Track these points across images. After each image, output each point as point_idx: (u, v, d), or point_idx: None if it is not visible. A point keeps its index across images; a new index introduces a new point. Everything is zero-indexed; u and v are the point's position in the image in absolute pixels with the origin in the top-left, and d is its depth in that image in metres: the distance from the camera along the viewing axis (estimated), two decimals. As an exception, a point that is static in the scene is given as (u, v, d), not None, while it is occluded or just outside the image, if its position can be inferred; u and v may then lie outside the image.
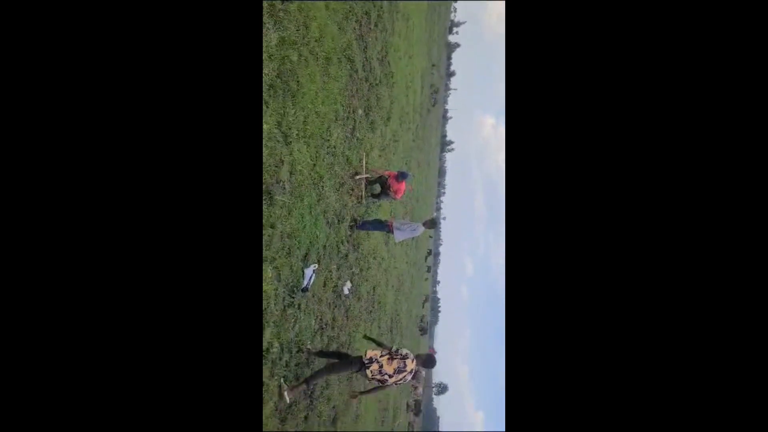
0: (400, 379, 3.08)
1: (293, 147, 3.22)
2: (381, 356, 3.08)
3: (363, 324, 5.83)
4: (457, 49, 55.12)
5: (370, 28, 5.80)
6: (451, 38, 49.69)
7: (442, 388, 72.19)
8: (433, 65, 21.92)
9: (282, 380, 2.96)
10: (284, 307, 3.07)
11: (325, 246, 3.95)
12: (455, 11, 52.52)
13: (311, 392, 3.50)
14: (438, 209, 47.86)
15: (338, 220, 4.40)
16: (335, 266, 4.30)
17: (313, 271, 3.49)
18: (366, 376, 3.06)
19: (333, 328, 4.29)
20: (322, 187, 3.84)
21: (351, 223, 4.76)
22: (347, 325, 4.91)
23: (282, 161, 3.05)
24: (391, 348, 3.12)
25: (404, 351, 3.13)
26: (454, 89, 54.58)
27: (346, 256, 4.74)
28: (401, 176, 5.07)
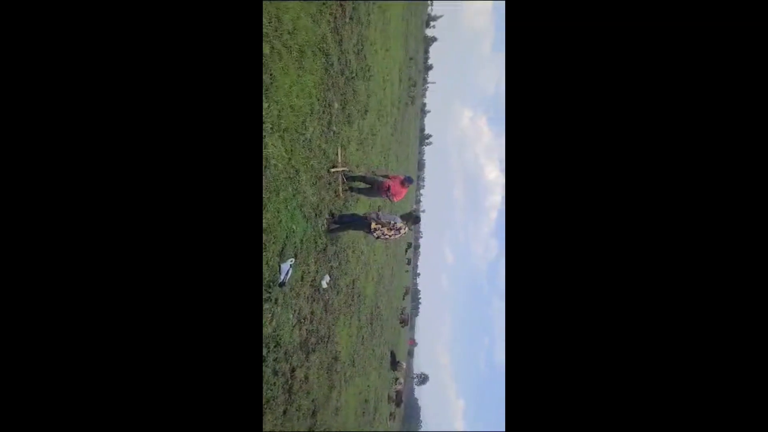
0: (398, 236, 4.57)
1: (267, 141, 3.19)
2: (382, 227, 4.47)
3: (342, 317, 5.87)
4: (435, 43, 55.17)
5: (345, 21, 5.75)
6: (429, 32, 49.68)
7: (423, 379, 73.37)
8: (411, 58, 21.89)
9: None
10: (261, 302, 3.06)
11: (302, 240, 3.95)
12: (432, 5, 52.42)
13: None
14: (418, 202, 48.19)
15: (315, 214, 4.40)
16: (313, 260, 4.30)
17: (290, 265, 3.49)
18: (373, 235, 4.52)
19: (312, 321, 4.31)
20: (299, 181, 3.83)
21: (327, 218, 4.76)
22: (326, 318, 4.94)
23: (256, 155, 3.01)
24: (390, 221, 4.48)
25: (399, 224, 4.51)
26: (432, 82, 54.76)
27: (324, 249, 4.75)
28: (407, 181, 5.02)
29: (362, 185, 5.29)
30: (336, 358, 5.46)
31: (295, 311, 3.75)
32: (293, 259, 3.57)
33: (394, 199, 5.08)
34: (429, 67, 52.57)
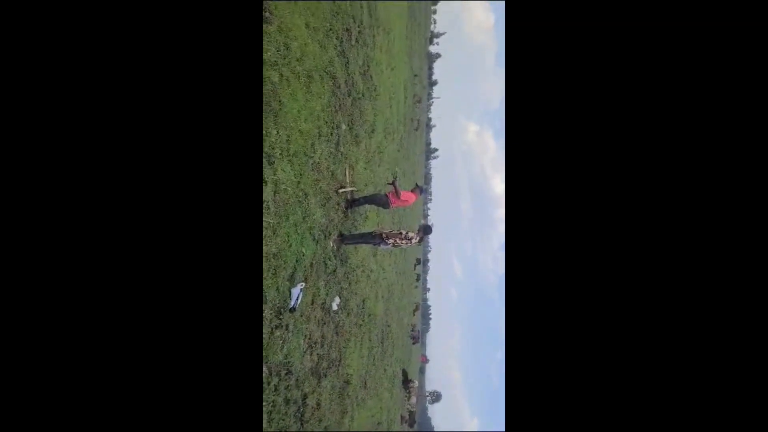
0: (410, 244, 4.66)
1: (277, 167, 3.21)
2: (394, 236, 4.57)
3: (353, 338, 5.77)
4: (438, 59, 56.15)
5: (351, 44, 5.87)
6: (432, 48, 50.64)
7: (436, 397, 71.60)
8: (415, 75, 22.25)
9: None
10: (272, 329, 3.02)
11: (312, 263, 3.92)
12: (435, 23, 53.61)
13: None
14: (425, 216, 48.07)
15: (325, 236, 4.38)
16: (323, 283, 4.26)
17: (300, 289, 3.46)
18: (385, 245, 4.60)
19: (323, 345, 4.24)
20: (308, 203, 3.83)
21: (336, 239, 4.74)
22: (337, 341, 4.86)
23: (266, 182, 3.03)
24: (401, 232, 4.64)
25: (411, 234, 4.63)
26: (437, 98, 55.45)
27: (334, 271, 4.71)
28: (418, 188, 5.24)
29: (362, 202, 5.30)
30: (348, 382, 5.34)
31: (305, 336, 3.69)
32: (303, 283, 3.54)
33: (403, 204, 5.10)
34: (433, 83, 53.34)
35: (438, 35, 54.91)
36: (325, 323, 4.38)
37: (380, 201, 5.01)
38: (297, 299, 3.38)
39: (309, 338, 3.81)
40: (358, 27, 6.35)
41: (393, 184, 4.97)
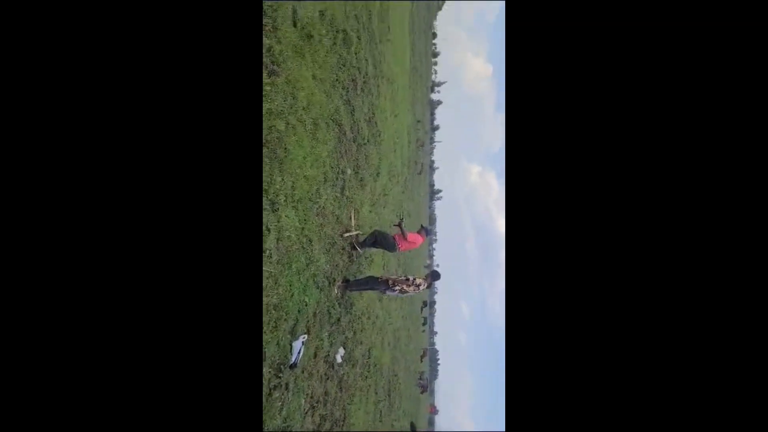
0: (417, 292, 4.45)
1: (281, 213, 3.15)
2: (401, 283, 4.35)
3: (358, 393, 5.37)
4: (440, 106, 58.66)
5: (356, 93, 6.09)
6: (433, 96, 53.11)
7: (448, 453, 65.99)
8: (418, 121, 23.06)
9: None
10: (270, 389, 2.78)
11: (315, 313, 3.73)
12: (436, 73, 56.72)
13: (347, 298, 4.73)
14: (431, 257, 47.52)
15: (329, 282, 4.22)
16: (326, 333, 4.03)
17: (302, 343, 3.24)
18: (392, 292, 4.38)
19: (326, 404, 3.91)
20: (312, 250, 3.72)
21: (340, 285, 4.56)
22: (341, 397, 4.50)
23: (269, 229, 2.95)
24: (407, 278, 4.41)
25: (419, 280, 4.39)
26: (439, 141, 57.19)
27: (338, 320, 4.48)
28: (424, 230, 5.12)
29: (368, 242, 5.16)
30: (352, 444, 4.88)
31: (307, 395, 3.41)
32: (305, 336, 3.33)
33: (410, 246, 4.94)
34: (435, 128, 55.28)
35: (439, 84, 57.83)
36: (328, 378, 4.08)
37: (387, 243, 4.84)
38: (299, 354, 3.16)
39: (311, 397, 3.52)
40: (363, 78, 6.63)
41: (399, 225, 4.87)
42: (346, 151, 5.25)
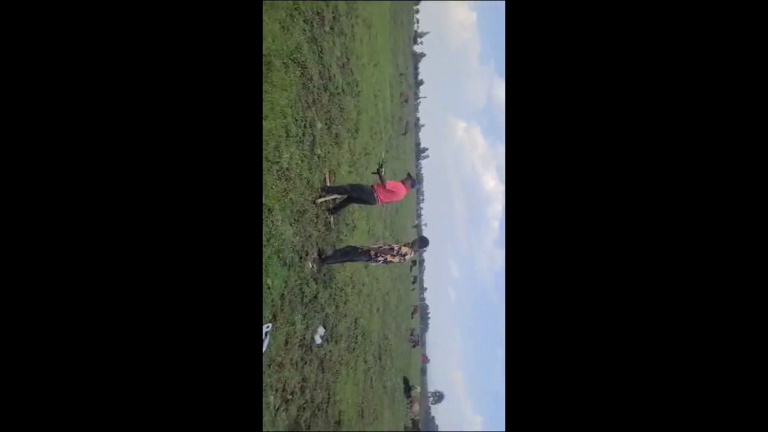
0: (404, 261, 4.09)
1: (223, 177, 2.44)
2: (385, 253, 3.86)
3: (344, 368, 5.01)
4: (423, 59, 55.69)
5: (324, 31, 5.12)
6: (417, 48, 50.18)
7: (438, 397, 70.93)
8: (401, 74, 21.61)
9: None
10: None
11: (283, 295, 3.16)
12: (418, 22, 53.18)
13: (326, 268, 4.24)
14: (419, 216, 47.49)
15: (300, 257, 3.62)
16: (300, 316, 3.49)
17: (266, 333, 2.69)
18: (376, 262, 3.94)
19: (304, 391, 3.47)
20: (272, 221, 3.06)
21: (316, 257, 3.98)
22: (324, 378, 4.09)
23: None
24: (392, 247, 3.91)
25: (404, 249, 3.90)
26: (424, 97, 54.95)
27: (315, 297, 3.95)
28: (411, 183, 4.40)
29: (342, 197, 4.45)
30: (339, 422, 4.57)
31: (276, 390, 2.92)
32: (269, 325, 2.77)
33: (392, 197, 4.26)
34: (420, 83, 52.90)
35: (422, 35, 54.49)
36: (306, 362, 3.61)
37: (365, 195, 4.13)
38: (263, 347, 2.62)
39: (283, 390, 3.04)
40: (333, 12, 5.61)
41: (378, 172, 4.15)
42: (314, 100, 4.42)
